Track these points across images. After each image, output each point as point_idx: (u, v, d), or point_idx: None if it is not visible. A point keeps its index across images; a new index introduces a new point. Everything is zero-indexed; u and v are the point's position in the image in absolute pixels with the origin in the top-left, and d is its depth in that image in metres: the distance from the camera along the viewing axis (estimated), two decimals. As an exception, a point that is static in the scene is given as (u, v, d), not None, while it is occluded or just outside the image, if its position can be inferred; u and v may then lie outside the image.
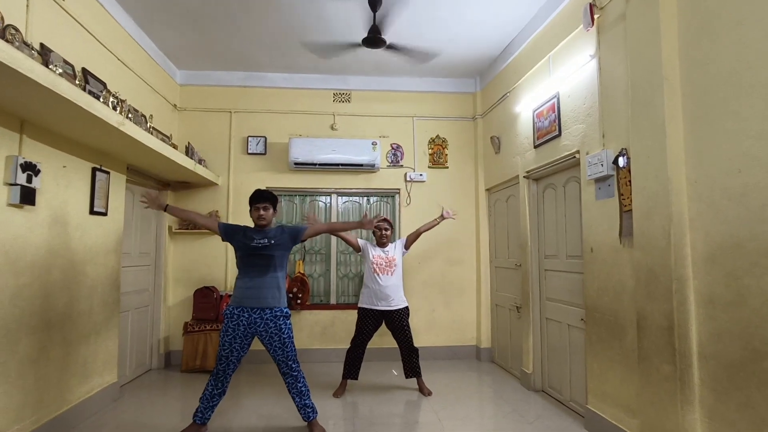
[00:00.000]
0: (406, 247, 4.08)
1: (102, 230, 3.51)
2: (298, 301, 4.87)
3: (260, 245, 2.99)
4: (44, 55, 2.47)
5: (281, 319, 2.98)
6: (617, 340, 2.79)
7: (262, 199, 3.06)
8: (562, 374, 3.61)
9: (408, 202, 5.23)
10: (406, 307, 3.93)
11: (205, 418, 2.93)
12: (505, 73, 4.57)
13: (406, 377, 3.95)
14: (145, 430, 3.12)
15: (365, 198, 5.34)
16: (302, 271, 4.99)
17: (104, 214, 3.52)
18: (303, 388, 3.01)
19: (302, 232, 3.15)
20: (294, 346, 3.02)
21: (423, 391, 3.87)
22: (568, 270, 3.51)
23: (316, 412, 3.07)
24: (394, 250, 3.98)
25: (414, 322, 5.06)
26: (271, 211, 3.09)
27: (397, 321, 3.84)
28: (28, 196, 2.62)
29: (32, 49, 2.35)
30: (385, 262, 3.88)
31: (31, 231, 2.72)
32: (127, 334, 4.15)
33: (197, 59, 4.80)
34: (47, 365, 2.88)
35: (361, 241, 4.02)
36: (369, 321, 3.84)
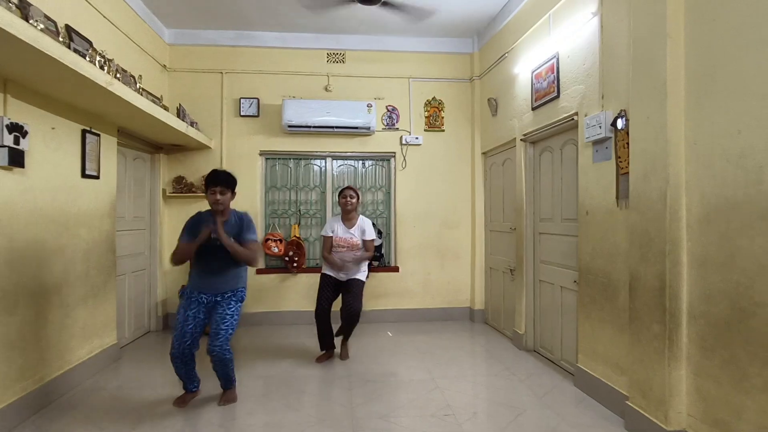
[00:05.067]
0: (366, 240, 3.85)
1: (95, 194, 3.47)
2: (294, 264, 4.91)
3: (217, 243, 2.79)
4: (23, 8, 2.36)
5: (233, 297, 2.90)
6: (609, 301, 2.85)
7: (218, 181, 2.80)
8: (553, 334, 3.70)
9: (404, 165, 5.19)
10: (362, 281, 3.84)
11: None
12: (504, 33, 4.44)
13: (336, 335, 3.88)
14: (145, 388, 3.20)
15: (360, 162, 5.29)
16: (298, 235, 5.00)
17: (96, 177, 3.47)
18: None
19: (247, 242, 2.87)
20: (235, 327, 2.90)
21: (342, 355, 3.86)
22: (563, 233, 3.54)
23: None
24: (360, 234, 3.82)
25: (409, 284, 5.16)
26: (228, 194, 2.83)
27: (350, 286, 3.76)
28: (16, 158, 2.56)
29: (9, 1, 2.24)
30: (347, 244, 3.79)
31: (22, 194, 2.68)
32: (125, 297, 4.19)
33: (186, 17, 4.62)
34: (46, 327, 2.91)
35: (325, 229, 3.87)
36: (329, 283, 3.78)
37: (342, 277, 3.80)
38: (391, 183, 5.26)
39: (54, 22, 2.70)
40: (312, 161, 5.23)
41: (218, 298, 2.87)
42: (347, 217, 3.85)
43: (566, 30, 3.32)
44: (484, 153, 5.11)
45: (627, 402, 2.59)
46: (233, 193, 2.90)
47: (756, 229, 1.91)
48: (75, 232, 3.22)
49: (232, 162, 4.90)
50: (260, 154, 5.07)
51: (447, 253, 5.23)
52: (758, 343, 1.90)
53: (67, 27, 2.94)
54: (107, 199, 3.65)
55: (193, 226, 2.88)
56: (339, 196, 3.88)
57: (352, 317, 3.71)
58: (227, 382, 2.99)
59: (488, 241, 5.04)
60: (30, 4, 2.44)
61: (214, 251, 2.82)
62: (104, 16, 3.60)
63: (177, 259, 2.86)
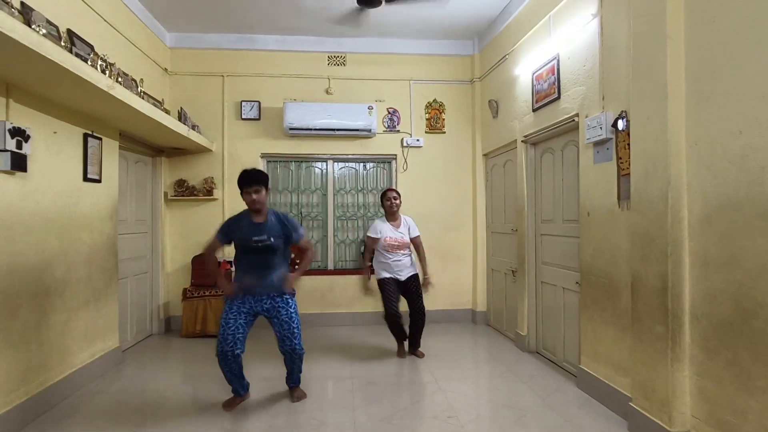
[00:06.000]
0: (413, 237, 3.98)
1: (97, 197, 3.48)
2: (296, 267, 4.89)
3: (260, 244, 2.84)
4: (25, 14, 2.37)
5: (286, 297, 2.95)
6: (611, 302, 2.84)
7: (253, 181, 2.81)
8: (555, 336, 3.69)
9: (405, 167, 5.19)
10: (417, 274, 3.95)
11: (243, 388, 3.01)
12: (504, 35, 4.45)
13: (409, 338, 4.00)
14: (147, 392, 3.20)
15: (362, 164, 5.30)
16: (299, 238, 5.00)
17: (98, 181, 3.48)
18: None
19: (298, 240, 2.97)
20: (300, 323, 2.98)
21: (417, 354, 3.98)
22: (565, 234, 3.53)
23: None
24: (408, 231, 3.94)
25: (411, 286, 5.15)
26: (263, 192, 2.85)
27: (412, 287, 3.89)
28: (19, 163, 2.58)
29: (12, 7, 2.25)
30: (399, 244, 3.87)
31: (24, 198, 2.69)
32: (127, 300, 4.19)
33: (187, 21, 4.64)
34: (49, 331, 2.92)
35: (373, 231, 3.89)
36: (392, 285, 3.85)
37: (400, 276, 3.86)
38: (393, 185, 5.26)
39: (56, 26, 2.71)
40: (313, 164, 5.23)
41: (272, 301, 2.89)
42: (392, 217, 3.95)
43: (566, 31, 3.33)
44: (485, 155, 5.11)
45: (630, 403, 2.58)
46: (267, 190, 2.92)
47: (758, 229, 1.90)
48: (77, 235, 3.22)
49: (233, 165, 4.91)
50: (261, 157, 5.08)
51: (449, 255, 5.22)
52: (762, 343, 1.89)
53: (69, 31, 2.95)
54: (109, 203, 3.66)
55: (229, 227, 2.91)
56: (383, 198, 3.96)
57: (422, 314, 3.88)
58: (298, 380, 3.09)
59: (490, 243, 5.04)
60: (32, 9, 2.46)
61: (259, 253, 2.85)
62: (106, 20, 3.61)
63: (204, 262, 2.86)
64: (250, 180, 2.82)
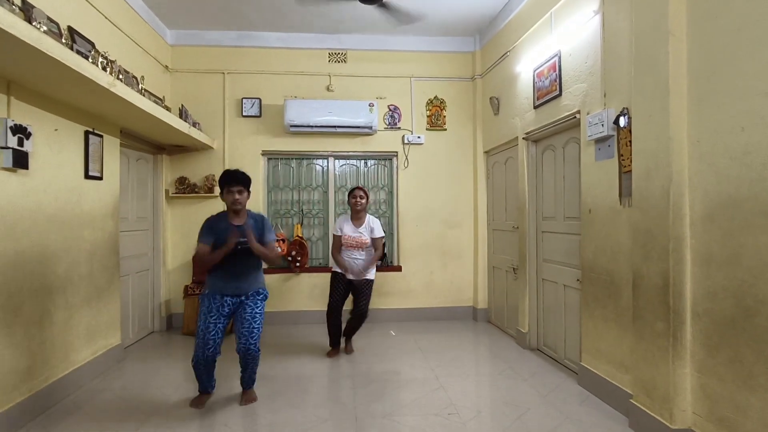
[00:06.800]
0: (374, 238, 3.93)
1: (98, 195, 3.48)
2: (297, 264, 4.91)
3: (240, 247, 2.78)
4: (26, 10, 2.36)
5: (258, 297, 2.94)
6: (612, 299, 2.84)
7: (236, 181, 2.81)
8: (557, 333, 3.69)
9: (406, 165, 5.19)
10: (371, 280, 3.93)
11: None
12: (505, 32, 4.44)
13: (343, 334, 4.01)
14: (149, 389, 3.21)
15: (363, 161, 5.29)
16: (300, 235, 5.01)
17: (99, 178, 3.48)
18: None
19: (266, 243, 2.91)
20: (262, 324, 2.94)
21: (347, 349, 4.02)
22: (566, 231, 3.53)
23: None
24: (369, 232, 3.90)
25: (412, 283, 5.16)
26: (245, 194, 2.86)
27: (361, 287, 3.85)
28: (20, 160, 2.58)
29: (12, 4, 2.25)
30: (356, 243, 3.85)
31: (26, 195, 2.69)
32: (129, 298, 4.20)
33: (187, 18, 4.63)
34: (51, 328, 2.92)
35: (335, 227, 3.94)
36: (341, 282, 3.86)
37: (352, 276, 3.84)
38: (394, 182, 5.27)
39: (57, 23, 2.71)
40: (314, 161, 5.23)
41: (243, 299, 2.88)
42: (356, 216, 3.92)
43: (568, 28, 3.32)
44: (486, 152, 5.10)
45: (631, 400, 2.59)
46: (249, 192, 2.92)
47: (760, 227, 1.90)
48: (78, 233, 3.23)
49: (234, 162, 4.91)
50: (262, 154, 5.08)
51: (450, 253, 5.22)
52: (763, 341, 1.89)
53: (70, 29, 2.95)
54: (110, 200, 3.66)
55: (210, 228, 2.85)
56: (349, 195, 3.94)
57: (362, 317, 3.90)
58: (251, 381, 3.02)
59: (491, 240, 5.04)
60: (33, 6, 2.45)
61: (237, 255, 2.81)
62: (106, 18, 3.61)
63: (205, 267, 2.86)
64: (233, 180, 2.81)
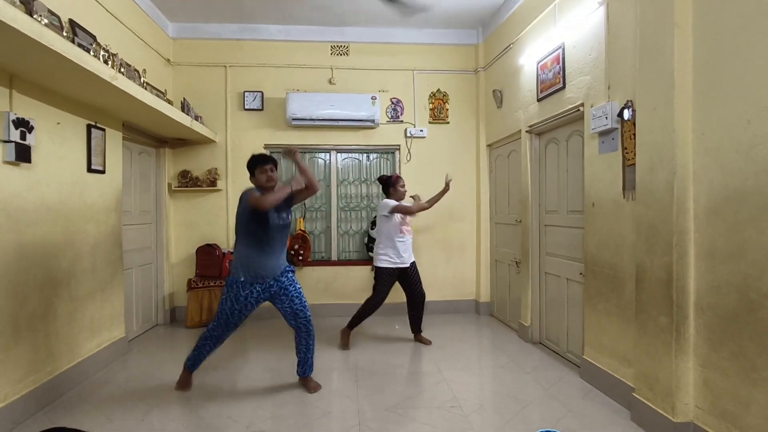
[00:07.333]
0: (391, 212, 3.90)
1: (101, 188, 3.49)
2: (300, 258, 4.92)
3: (281, 222, 2.88)
4: (27, 3, 2.35)
5: (291, 273, 3.03)
6: (615, 293, 2.83)
7: (269, 160, 2.89)
8: (559, 327, 3.69)
9: (408, 158, 5.17)
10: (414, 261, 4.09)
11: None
12: (509, 24, 4.40)
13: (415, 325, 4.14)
14: (153, 381, 3.23)
15: (365, 155, 5.28)
16: (303, 228, 5.01)
17: (102, 171, 3.48)
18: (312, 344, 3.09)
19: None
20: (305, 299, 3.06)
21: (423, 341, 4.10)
22: (569, 225, 3.52)
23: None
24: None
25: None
26: (276, 172, 2.93)
27: (412, 272, 4.00)
28: (23, 154, 2.58)
29: (15, -3, 2.24)
30: (409, 227, 4.02)
31: (29, 189, 2.70)
32: (132, 291, 4.22)
33: (189, 11, 4.61)
34: (56, 321, 2.94)
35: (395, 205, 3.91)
36: (392, 279, 3.93)
37: (406, 262, 3.93)
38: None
39: (58, 16, 2.69)
40: (316, 154, 5.22)
41: (273, 281, 2.90)
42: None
43: (572, 20, 3.28)
44: (489, 145, 5.08)
45: (633, 394, 2.59)
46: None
47: (765, 220, 1.89)
48: (82, 226, 3.24)
49: (237, 156, 4.91)
50: (265, 148, 5.06)
51: (452, 246, 5.22)
52: (767, 334, 1.88)
53: (71, 21, 2.94)
54: (113, 194, 3.67)
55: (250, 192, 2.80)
56: (396, 184, 3.97)
57: (423, 298, 4.08)
58: (312, 365, 3.10)
59: (494, 234, 5.03)
60: (34, -1, 2.44)
61: (281, 231, 2.90)
62: (108, 11, 3.59)
63: (275, 199, 2.68)
64: (266, 159, 2.90)
